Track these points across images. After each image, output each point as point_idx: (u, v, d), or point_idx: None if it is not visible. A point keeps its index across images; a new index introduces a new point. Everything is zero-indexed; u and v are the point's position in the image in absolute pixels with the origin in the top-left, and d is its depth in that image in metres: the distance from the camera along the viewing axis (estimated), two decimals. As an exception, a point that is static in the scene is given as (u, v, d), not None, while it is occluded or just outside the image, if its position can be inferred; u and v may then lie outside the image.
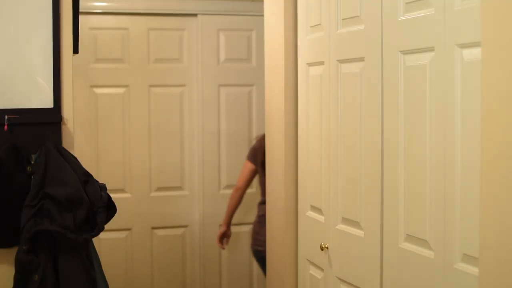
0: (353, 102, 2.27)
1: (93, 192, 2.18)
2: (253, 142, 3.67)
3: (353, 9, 2.25)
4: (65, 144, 2.31)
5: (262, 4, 3.12)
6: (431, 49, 1.82)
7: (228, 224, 3.66)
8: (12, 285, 2.13)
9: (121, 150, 3.84)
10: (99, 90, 3.82)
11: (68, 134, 2.34)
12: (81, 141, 3.69)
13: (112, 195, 2.29)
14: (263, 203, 3.38)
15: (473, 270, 1.63)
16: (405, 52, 1.96)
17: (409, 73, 1.94)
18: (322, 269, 2.54)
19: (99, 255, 2.33)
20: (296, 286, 2.82)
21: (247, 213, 4.01)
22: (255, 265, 4.04)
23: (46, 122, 2.28)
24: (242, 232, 4.03)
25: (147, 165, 3.89)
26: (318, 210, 2.57)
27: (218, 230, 3.82)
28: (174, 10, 3.90)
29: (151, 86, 3.88)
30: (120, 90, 3.85)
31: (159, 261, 3.95)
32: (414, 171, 1.92)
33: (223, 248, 3.76)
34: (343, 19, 2.33)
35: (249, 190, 4.00)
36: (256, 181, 3.99)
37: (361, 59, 2.20)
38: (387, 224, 2.07)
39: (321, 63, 2.50)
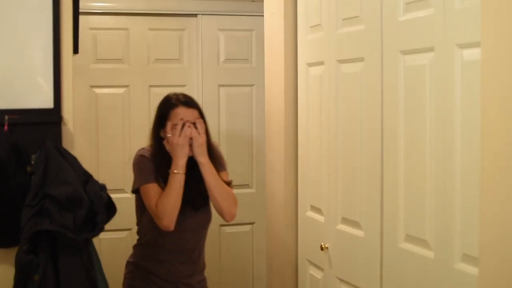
0: (353, 102, 2.26)
1: (93, 192, 2.18)
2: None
3: (353, 9, 2.25)
4: (65, 144, 2.31)
5: (262, 4, 3.12)
6: (431, 49, 1.82)
7: None
8: (12, 285, 2.13)
9: (121, 150, 3.84)
10: (99, 90, 3.81)
11: (68, 134, 2.34)
12: (81, 141, 3.69)
13: (112, 195, 2.28)
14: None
15: (473, 270, 1.63)
16: (405, 52, 1.96)
17: (409, 73, 1.94)
18: (322, 269, 2.54)
19: (99, 255, 2.33)
20: (296, 286, 2.82)
21: (247, 213, 4.01)
22: (256, 265, 4.04)
23: (46, 122, 2.28)
24: (242, 232, 4.03)
25: (147, 165, 3.88)
26: (318, 210, 2.57)
27: (217, 231, 3.83)
28: (174, 10, 3.89)
29: (151, 86, 3.88)
30: (120, 90, 3.84)
31: (159, 261, 3.95)
32: (414, 171, 1.92)
33: None
34: (343, 19, 2.33)
35: (248, 190, 4.01)
36: (255, 179, 3.98)
37: (361, 59, 2.20)
38: (387, 224, 2.07)
39: (321, 63, 2.50)
